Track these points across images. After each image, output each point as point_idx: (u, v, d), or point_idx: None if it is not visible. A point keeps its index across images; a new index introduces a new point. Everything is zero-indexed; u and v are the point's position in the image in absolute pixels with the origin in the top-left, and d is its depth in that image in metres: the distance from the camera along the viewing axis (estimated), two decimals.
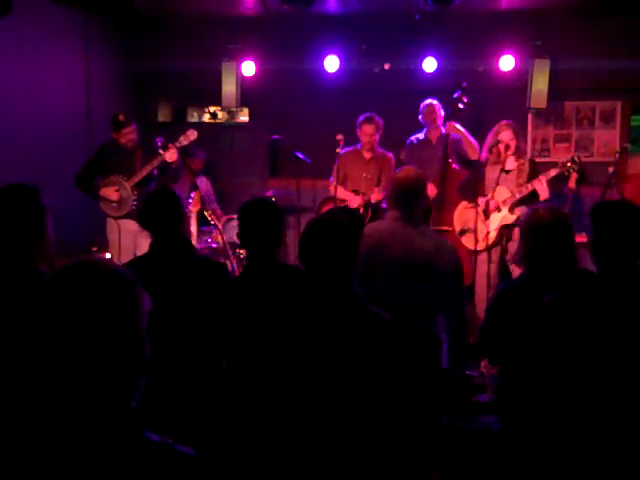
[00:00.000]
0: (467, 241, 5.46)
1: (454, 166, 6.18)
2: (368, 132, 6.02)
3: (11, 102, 5.77)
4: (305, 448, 1.98)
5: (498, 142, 5.27)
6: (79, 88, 6.82)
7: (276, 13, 6.72)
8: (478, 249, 5.28)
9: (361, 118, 6.03)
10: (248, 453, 2.18)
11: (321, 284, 2.05)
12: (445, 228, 6.21)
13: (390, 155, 6.22)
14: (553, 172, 5.08)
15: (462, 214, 5.64)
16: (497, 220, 5.29)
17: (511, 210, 5.25)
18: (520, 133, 5.43)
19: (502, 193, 5.28)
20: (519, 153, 5.32)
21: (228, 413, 2.37)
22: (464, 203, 5.60)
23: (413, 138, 6.36)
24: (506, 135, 5.27)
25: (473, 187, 5.38)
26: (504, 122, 5.36)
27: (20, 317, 2.11)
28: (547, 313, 2.34)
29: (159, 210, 3.09)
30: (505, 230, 5.29)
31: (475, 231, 5.17)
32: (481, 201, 5.32)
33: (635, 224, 2.30)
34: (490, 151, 5.32)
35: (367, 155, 6.16)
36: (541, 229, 2.75)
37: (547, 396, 2.34)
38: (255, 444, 2.11)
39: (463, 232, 5.52)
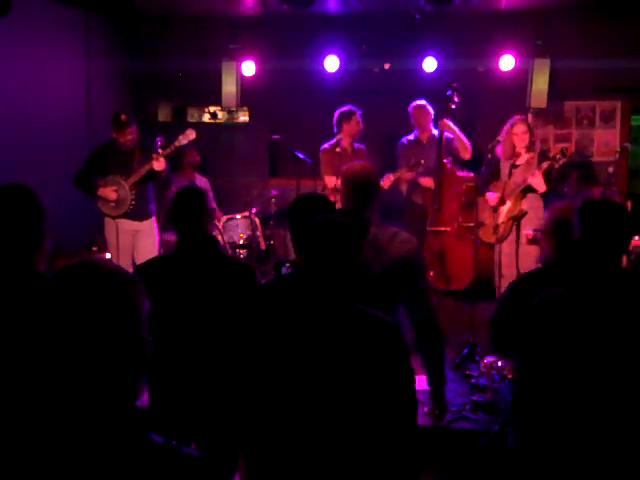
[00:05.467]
0: (483, 234, 5.55)
1: (449, 166, 6.18)
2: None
3: (11, 101, 5.76)
4: (306, 450, 1.98)
5: (512, 136, 5.32)
6: (79, 88, 6.81)
7: (276, 13, 6.73)
8: (490, 242, 5.46)
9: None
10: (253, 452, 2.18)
11: (322, 285, 2.04)
12: (442, 229, 6.22)
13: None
14: (545, 165, 5.11)
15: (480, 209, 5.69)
16: (503, 213, 5.37)
17: (516, 203, 5.28)
18: (534, 128, 5.45)
19: (510, 187, 5.34)
20: (532, 147, 5.35)
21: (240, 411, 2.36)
22: (482, 198, 5.64)
23: (404, 140, 6.39)
24: (519, 129, 5.31)
25: (487, 182, 5.47)
26: (518, 117, 5.41)
27: (19, 317, 2.11)
28: (536, 313, 2.37)
29: (185, 208, 3.09)
30: (513, 222, 5.30)
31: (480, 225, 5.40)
32: (488, 196, 5.41)
33: (621, 222, 2.33)
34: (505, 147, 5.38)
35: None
36: (570, 226, 2.80)
37: (547, 392, 2.35)
38: (258, 442, 2.11)
39: (479, 225, 5.57)
